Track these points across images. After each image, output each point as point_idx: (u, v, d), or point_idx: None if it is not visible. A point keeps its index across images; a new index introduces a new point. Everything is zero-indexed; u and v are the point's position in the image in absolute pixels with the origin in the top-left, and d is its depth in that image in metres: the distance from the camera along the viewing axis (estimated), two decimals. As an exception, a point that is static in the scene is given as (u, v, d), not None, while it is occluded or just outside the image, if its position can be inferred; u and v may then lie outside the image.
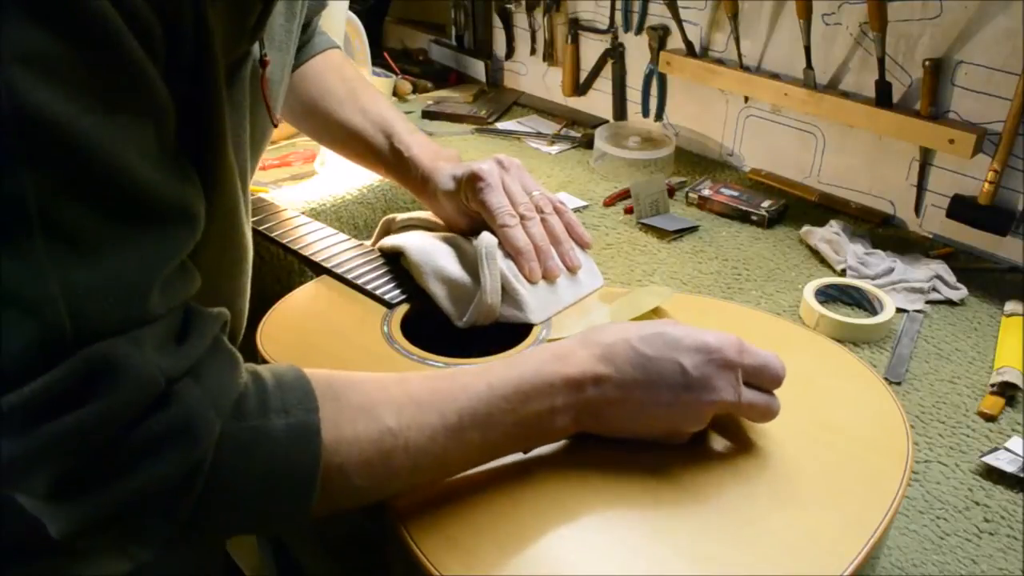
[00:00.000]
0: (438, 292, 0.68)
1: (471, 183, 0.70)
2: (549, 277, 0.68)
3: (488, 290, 0.65)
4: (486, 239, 0.67)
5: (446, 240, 0.72)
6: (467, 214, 0.72)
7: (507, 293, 0.66)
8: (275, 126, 0.58)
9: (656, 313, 0.67)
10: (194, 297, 0.44)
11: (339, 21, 1.18)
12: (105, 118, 0.36)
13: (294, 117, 0.85)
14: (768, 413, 0.53)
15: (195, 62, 0.42)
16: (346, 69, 0.85)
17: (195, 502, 0.41)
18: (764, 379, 0.52)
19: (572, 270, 0.70)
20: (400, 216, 0.80)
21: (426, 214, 0.79)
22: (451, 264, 0.69)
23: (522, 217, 0.69)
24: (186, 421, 0.40)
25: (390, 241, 0.74)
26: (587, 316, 0.68)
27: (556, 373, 0.50)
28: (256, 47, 0.52)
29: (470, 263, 0.68)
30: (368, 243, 0.80)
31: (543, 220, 0.70)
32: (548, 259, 0.68)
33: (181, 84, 0.41)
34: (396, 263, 0.74)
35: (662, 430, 0.52)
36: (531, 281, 0.67)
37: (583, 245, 0.72)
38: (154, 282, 0.39)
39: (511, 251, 0.68)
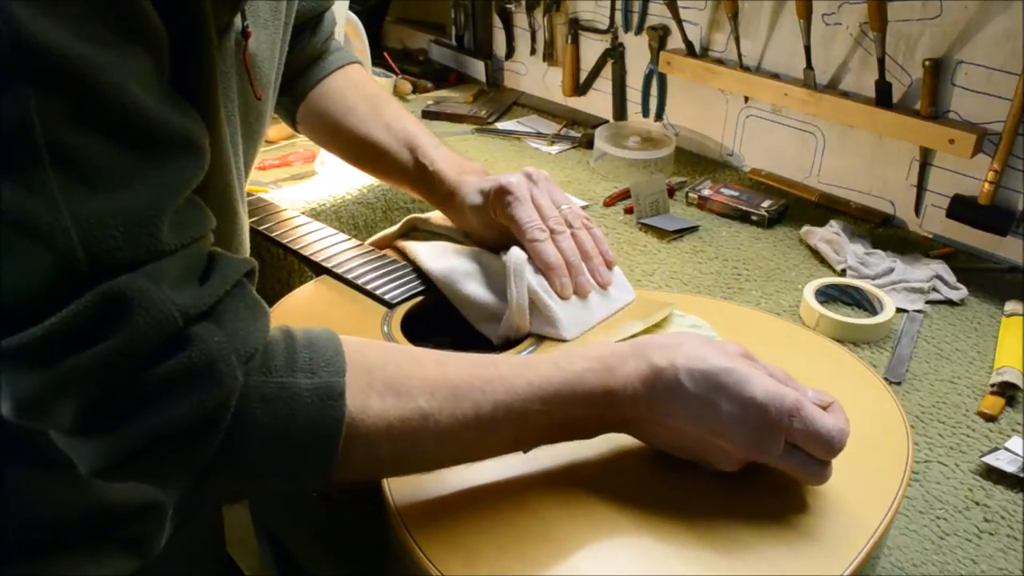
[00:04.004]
0: (467, 313, 0.68)
1: (499, 197, 0.68)
2: (580, 293, 0.66)
3: (515, 308, 0.64)
4: (515, 255, 0.66)
5: (471, 256, 0.71)
6: (495, 228, 0.71)
7: (539, 309, 0.64)
8: (258, 99, 0.58)
9: (661, 325, 0.67)
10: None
11: (339, 21, 1.18)
12: (104, 47, 0.36)
13: (317, 135, 0.84)
14: (812, 481, 0.50)
15: (183, 11, 0.42)
16: (368, 85, 0.84)
17: (218, 448, 0.41)
18: (815, 449, 0.48)
19: (603, 286, 0.68)
20: (431, 218, 0.79)
21: (448, 220, 0.78)
22: (476, 286, 0.68)
23: (552, 231, 0.68)
24: (207, 363, 0.40)
25: (414, 251, 0.73)
26: (620, 331, 0.66)
27: (600, 384, 0.49)
28: (238, 19, 0.53)
29: (496, 280, 0.67)
30: (370, 241, 0.79)
31: (573, 235, 0.69)
32: (579, 274, 0.67)
33: (171, 29, 0.41)
34: (397, 263, 0.74)
35: (688, 458, 0.51)
36: (563, 297, 0.65)
37: (607, 264, 0.70)
38: (164, 212, 0.39)
39: (541, 266, 0.66)
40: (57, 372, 0.37)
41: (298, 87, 0.82)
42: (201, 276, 0.42)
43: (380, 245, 0.80)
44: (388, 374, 0.46)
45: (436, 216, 0.79)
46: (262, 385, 0.42)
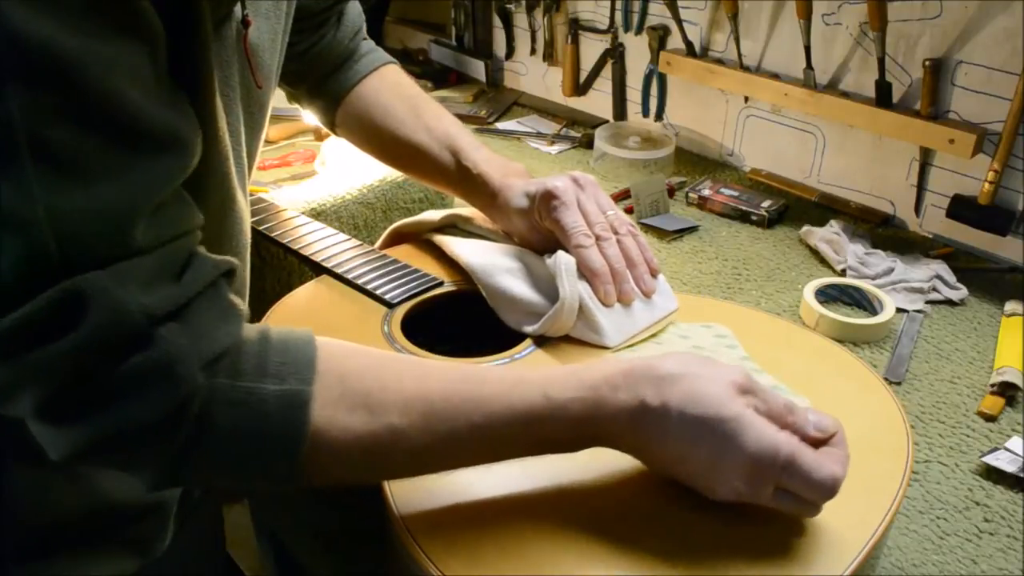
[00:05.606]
0: (499, 306, 0.67)
1: (546, 201, 0.68)
2: (624, 301, 0.66)
3: (567, 307, 0.63)
4: (563, 257, 0.66)
5: (513, 255, 0.70)
6: (539, 231, 0.71)
7: (583, 315, 0.64)
8: (259, 88, 0.58)
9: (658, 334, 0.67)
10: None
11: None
12: (94, 41, 0.36)
13: (356, 139, 0.84)
14: (803, 516, 0.48)
15: (180, 2, 0.42)
16: (405, 86, 0.83)
17: (184, 443, 0.41)
18: (807, 496, 0.46)
19: (647, 294, 0.67)
20: (473, 218, 0.79)
21: (490, 222, 0.78)
22: (515, 281, 0.67)
23: (598, 238, 0.67)
24: (167, 364, 0.40)
25: (450, 245, 0.73)
26: (660, 340, 0.66)
27: (585, 413, 0.47)
28: (238, 8, 0.53)
29: (538, 280, 0.67)
30: (401, 223, 0.79)
31: (618, 241, 0.68)
32: (624, 282, 0.66)
33: (168, 23, 0.40)
34: (397, 263, 0.74)
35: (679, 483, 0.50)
36: (606, 304, 0.65)
37: (651, 272, 0.69)
38: (140, 211, 0.39)
39: (586, 272, 0.65)
40: (19, 364, 0.38)
41: (334, 89, 0.81)
42: (177, 275, 0.42)
43: (409, 230, 0.80)
44: (364, 386, 0.46)
45: (478, 216, 0.79)
46: (229, 389, 0.42)
